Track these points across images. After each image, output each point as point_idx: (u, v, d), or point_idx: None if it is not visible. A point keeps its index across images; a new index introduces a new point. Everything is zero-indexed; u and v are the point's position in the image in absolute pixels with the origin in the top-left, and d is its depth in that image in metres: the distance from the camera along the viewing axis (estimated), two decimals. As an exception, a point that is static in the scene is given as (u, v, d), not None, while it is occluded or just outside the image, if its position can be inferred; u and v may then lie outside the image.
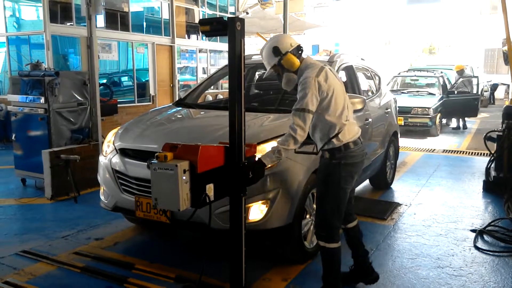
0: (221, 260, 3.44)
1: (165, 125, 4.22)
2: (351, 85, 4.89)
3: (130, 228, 4.48)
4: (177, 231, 4.37)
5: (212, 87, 10.81)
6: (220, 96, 12.71)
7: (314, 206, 3.50)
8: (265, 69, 3.08)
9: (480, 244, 4.11)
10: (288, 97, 4.12)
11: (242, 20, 2.55)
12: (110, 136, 4.08)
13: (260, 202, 3.22)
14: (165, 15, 12.51)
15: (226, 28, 2.52)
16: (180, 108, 4.57)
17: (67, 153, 5.48)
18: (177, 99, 5.05)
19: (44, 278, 3.43)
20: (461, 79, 12.09)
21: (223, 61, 15.14)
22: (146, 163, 3.43)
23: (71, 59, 10.50)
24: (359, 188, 5.59)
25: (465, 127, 12.12)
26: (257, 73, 5.49)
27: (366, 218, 4.70)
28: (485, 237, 4.26)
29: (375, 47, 26.03)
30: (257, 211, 3.23)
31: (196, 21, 14.00)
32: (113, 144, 3.88)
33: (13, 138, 6.10)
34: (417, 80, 13.12)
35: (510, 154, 5.57)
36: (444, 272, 3.54)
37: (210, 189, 2.51)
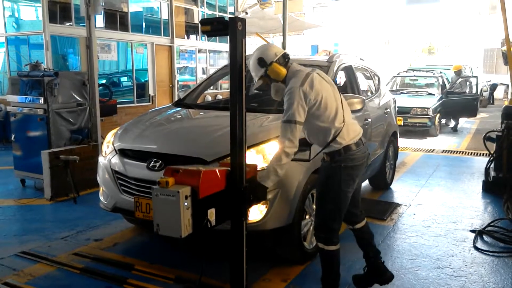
0: (221, 261, 3.43)
1: (165, 125, 4.21)
2: (350, 85, 4.89)
3: (130, 228, 4.47)
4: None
5: (211, 88, 10.82)
6: (220, 97, 12.71)
7: (314, 206, 3.50)
8: None
9: (479, 244, 4.11)
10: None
11: (243, 20, 2.53)
12: (110, 136, 4.07)
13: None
14: (165, 15, 12.51)
15: (227, 28, 2.50)
16: (180, 108, 4.56)
17: (67, 154, 5.47)
18: (176, 99, 5.04)
19: (44, 279, 3.42)
20: (459, 80, 12.03)
21: (223, 61, 15.15)
22: (146, 164, 3.47)
23: (71, 59, 10.50)
24: (358, 188, 5.58)
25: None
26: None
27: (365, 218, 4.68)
28: (485, 237, 4.26)
29: (374, 47, 26.07)
30: (256, 211, 3.22)
31: (196, 21, 14.00)
32: (113, 144, 3.87)
33: (12, 138, 6.09)
34: (417, 80, 13.12)
35: (510, 154, 5.57)
36: (443, 272, 3.54)
37: (211, 214, 2.48)
